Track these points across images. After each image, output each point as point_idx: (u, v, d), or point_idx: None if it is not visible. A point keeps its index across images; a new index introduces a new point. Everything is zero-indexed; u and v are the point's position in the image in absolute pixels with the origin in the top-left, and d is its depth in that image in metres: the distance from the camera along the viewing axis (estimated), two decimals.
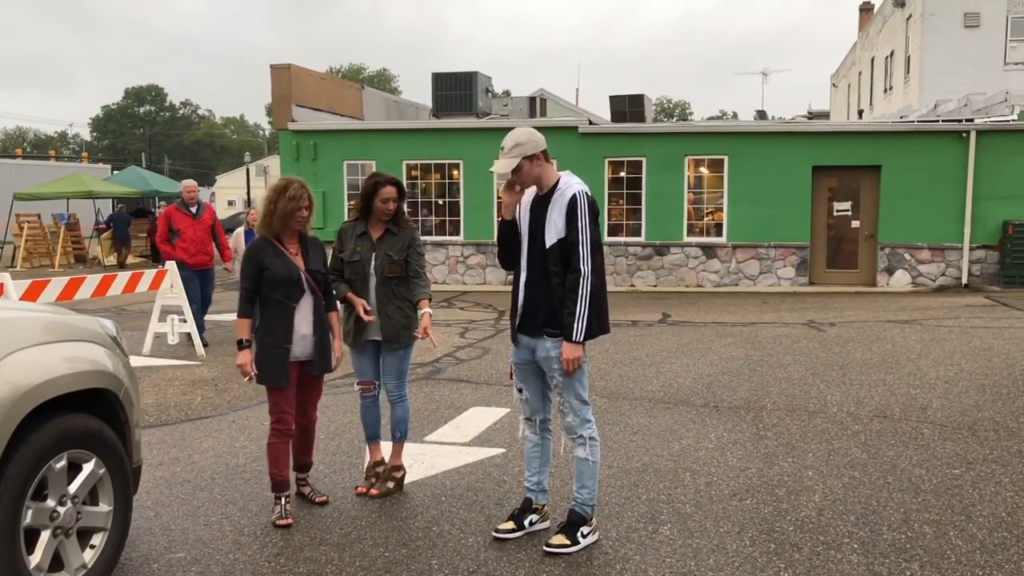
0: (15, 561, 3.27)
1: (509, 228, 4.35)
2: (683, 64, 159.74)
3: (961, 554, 4.17)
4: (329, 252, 5.04)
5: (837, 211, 17.35)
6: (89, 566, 3.66)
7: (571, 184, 4.19)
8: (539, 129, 4.26)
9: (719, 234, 17.56)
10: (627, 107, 21.79)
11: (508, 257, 4.40)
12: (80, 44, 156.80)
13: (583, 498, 4.30)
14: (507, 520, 4.46)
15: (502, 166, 4.16)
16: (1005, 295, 15.46)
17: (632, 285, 17.73)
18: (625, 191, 17.85)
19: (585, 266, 4.07)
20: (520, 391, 4.46)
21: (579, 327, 4.07)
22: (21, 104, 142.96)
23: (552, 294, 4.16)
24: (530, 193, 4.30)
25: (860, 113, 33.98)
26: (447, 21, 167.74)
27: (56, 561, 3.51)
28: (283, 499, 4.71)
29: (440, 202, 18.59)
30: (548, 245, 4.14)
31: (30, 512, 3.38)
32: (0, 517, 3.23)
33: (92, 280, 8.79)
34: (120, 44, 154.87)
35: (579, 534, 4.24)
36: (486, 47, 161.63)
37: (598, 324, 4.19)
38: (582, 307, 4.07)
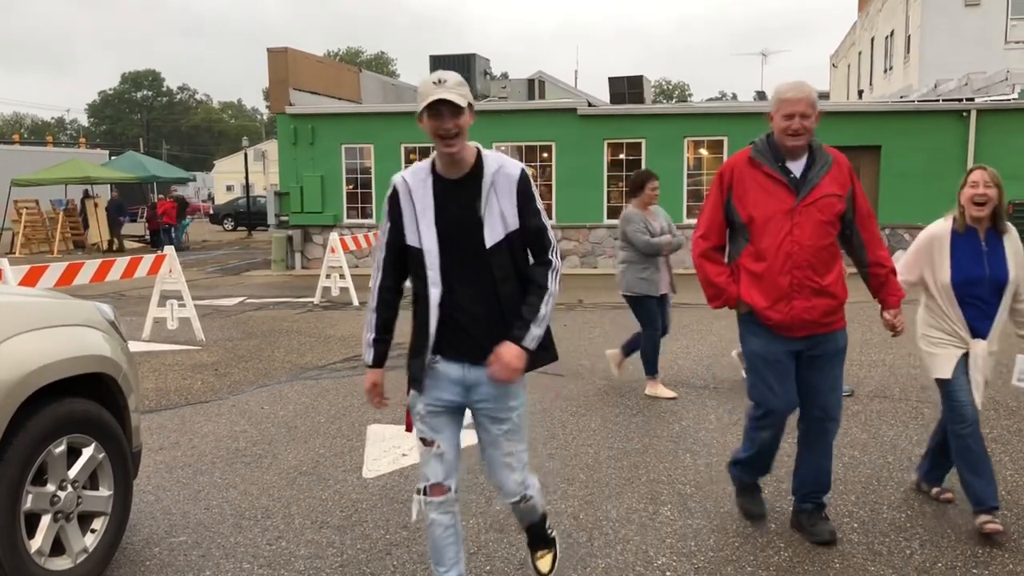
0: (16, 545, 3.28)
1: (398, 242, 3.16)
2: (683, 45, 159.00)
3: (960, 533, 4.17)
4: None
5: None
6: (90, 550, 3.66)
7: (505, 160, 3.13)
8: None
9: None
10: (626, 88, 21.71)
11: (398, 282, 3.26)
12: (80, 26, 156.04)
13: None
14: None
15: (456, 96, 2.94)
16: None
17: None
18: (624, 173, 17.80)
19: (556, 257, 3.14)
20: (431, 444, 3.20)
21: (536, 333, 3.05)
22: (18, 89, 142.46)
23: (501, 306, 3.08)
24: (418, 177, 3.13)
25: (860, 93, 33.85)
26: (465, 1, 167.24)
27: (57, 545, 3.52)
28: None
29: None
30: (490, 244, 3.05)
31: (30, 497, 3.38)
32: (0, 502, 3.23)
33: (91, 265, 8.77)
34: (122, 24, 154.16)
35: (548, 531, 3.67)
36: (495, 29, 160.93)
37: (552, 346, 3.25)
38: (547, 308, 3.08)
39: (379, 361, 3.25)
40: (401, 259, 3.19)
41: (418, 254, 3.11)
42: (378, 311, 3.24)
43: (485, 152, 3.13)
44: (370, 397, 3.29)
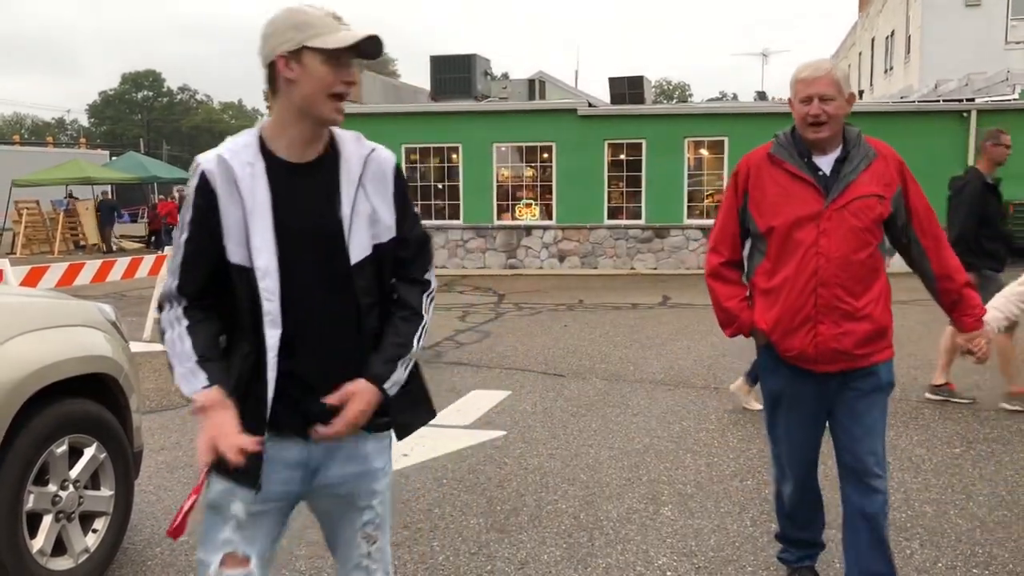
0: (17, 545, 3.28)
1: (212, 258, 2.08)
2: (683, 45, 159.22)
3: (961, 532, 4.18)
4: None
5: None
6: (92, 550, 3.67)
7: (367, 142, 2.19)
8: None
9: None
10: (627, 89, 21.70)
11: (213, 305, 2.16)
12: (80, 26, 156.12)
13: None
14: None
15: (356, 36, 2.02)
16: (1005, 275, 15.42)
17: (632, 268, 17.73)
18: (625, 173, 17.81)
19: (433, 277, 2.32)
20: (241, 564, 2.14)
21: (401, 376, 2.16)
22: (18, 89, 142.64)
23: (362, 348, 2.14)
24: (241, 159, 2.05)
25: (860, 94, 33.85)
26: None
27: (59, 545, 3.53)
28: None
29: (439, 186, 18.55)
30: (356, 259, 2.10)
31: (32, 497, 3.38)
32: (2, 502, 3.23)
33: (92, 266, 8.79)
34: (122, 24, 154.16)
35: None
36: (495, 29, 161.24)
37: (425, 399, 2.33)
38: (420, 344, 2.21)
39: (217, 379, 2.11)
40: (216, 282, 2.09)
41: (246, 276, 2.04)
42: (192, 332, 2.12)
43: (339, 130, 2.16)
44: (219, 434, 2.04)
